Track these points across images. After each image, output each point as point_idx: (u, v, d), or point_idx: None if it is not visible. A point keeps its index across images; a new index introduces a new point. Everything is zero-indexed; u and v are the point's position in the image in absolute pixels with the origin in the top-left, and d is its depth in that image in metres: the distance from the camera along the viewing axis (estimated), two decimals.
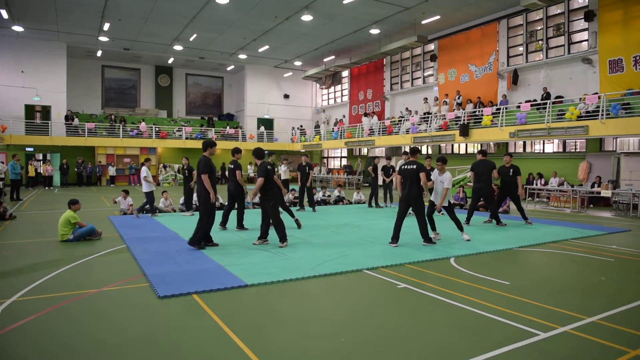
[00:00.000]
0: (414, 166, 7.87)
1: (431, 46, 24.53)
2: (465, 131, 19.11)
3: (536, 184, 17.71)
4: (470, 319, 4.39)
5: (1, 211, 11.33)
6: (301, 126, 33.57)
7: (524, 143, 20.13)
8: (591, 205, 15.52)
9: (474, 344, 3.80)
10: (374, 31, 22.84)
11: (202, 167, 7.58)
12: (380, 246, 7.95)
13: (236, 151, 9.74)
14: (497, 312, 4.56)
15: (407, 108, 25.31)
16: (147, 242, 8.19)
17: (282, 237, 7.83)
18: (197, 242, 7.57)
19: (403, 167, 8.08)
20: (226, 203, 9.99)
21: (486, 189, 10.53)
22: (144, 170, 11.72)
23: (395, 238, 7.97)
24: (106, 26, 23.05)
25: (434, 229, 8.73)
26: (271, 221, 8.01)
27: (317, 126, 32.23)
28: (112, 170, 27.01)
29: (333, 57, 28.71)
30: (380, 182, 15.05)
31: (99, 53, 28.13)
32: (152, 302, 4.88)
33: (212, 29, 23.57)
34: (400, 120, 24.13)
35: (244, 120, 33.40)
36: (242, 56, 29.07)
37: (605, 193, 14.24)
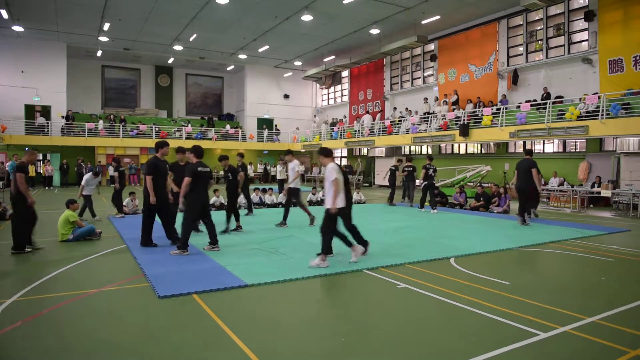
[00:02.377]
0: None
1: (431, 46, 24.53)
2: (465, 131, 19.11)
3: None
4: (470, 319, 4.39)
5: (1, 211, 11.33)
6: (276, 125, 33.44)
7: (524, 143, 20.12)
8: (591, 205, 15.52)
9: (474, 344, 3.80)
10: (374, 31, 22.84)
11: (145, 168, 7.66)
12: (380, 246, 7.94)
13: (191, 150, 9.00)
14: (497, 312, 4.56)
15: (406, 108, 25.31)
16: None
17: (183, 244, 7.16)
18: (175, 239, 7.70)
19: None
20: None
21: (524, 188, 10.64)
22: (85, 177, 11.53)
23: (347, 244, 6.77)
24: (106, 26, 23.05)
25: (348, 244, 6.73)
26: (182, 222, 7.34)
27: (334, 124, 31.26)
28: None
29: (333, 57, 28.71)
30: (399, 182, 16.31)
31: (99, 53, 28.12)
32: (152, 302, 4.88)
33: (212, 29, 23.57)
34: (400, 120, 24.13)
35: (244, 120, 33.41)
36: (242, 56, 29.07)
37: (605, 193, 14.24)
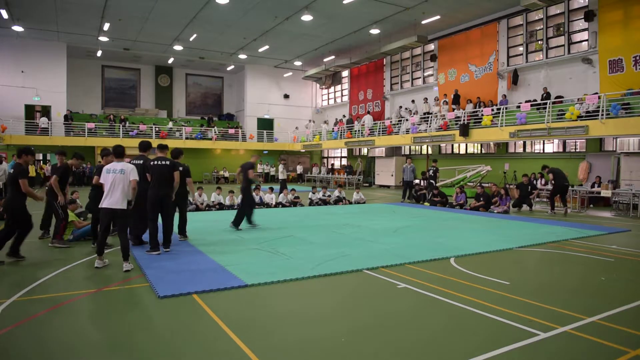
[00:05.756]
0: (167, 162, 7.27)
1: (431, 46, 24.52)
2: (465, 131, 19.11)
3: (536, 184, 17.66)
4: (470, 319, 4.39)
5: (1, 211, 11.32)
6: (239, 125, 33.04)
7: (524, 143, 20.13)
8: (591, 205, 15.52)
9: (474, 344, 3.80)
10: (374, 31, 22.83)
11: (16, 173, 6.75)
12: (380, 246, 7.95)
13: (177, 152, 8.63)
14: (497, 312, 4.56)
15: (405, 108, 25.26)
16: (147, 242, 8.16)
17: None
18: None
19: (154, 162, 7.27)
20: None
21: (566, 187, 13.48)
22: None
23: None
24: (106, 26, 23.04)
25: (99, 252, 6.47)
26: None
27: (349, 121, 30.13)
28: None
29: (333, 57, 28.69)
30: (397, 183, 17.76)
31: (99, 53, 28.12)
32: (152, 302, 4.89)
33: (212, 29, 23.57)
34: (400, 121, 24.13)
35: (244, 120, 33.40)
36: (242, 56, 29.07)
37: (605, 193, 14.24)
